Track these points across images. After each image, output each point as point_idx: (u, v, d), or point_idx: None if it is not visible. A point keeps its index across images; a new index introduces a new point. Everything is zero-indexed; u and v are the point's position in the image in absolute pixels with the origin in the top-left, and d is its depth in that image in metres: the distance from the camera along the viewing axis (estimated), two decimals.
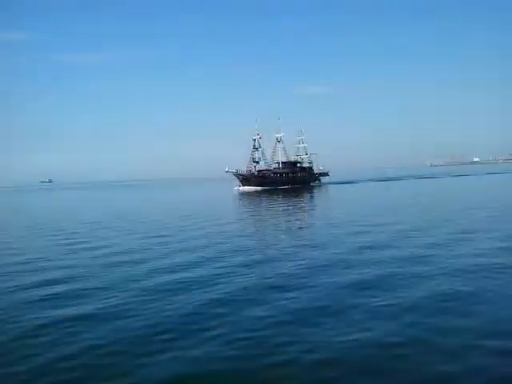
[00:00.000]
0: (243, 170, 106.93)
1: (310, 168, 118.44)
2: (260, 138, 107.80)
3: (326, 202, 57.33)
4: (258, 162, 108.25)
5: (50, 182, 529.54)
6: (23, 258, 22.50)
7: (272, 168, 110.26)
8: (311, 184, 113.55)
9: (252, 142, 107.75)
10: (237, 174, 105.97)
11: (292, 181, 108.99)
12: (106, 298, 14.25)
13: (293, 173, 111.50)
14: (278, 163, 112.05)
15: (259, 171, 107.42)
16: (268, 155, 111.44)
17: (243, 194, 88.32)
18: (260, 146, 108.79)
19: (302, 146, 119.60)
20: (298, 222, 34.41)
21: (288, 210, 46.59)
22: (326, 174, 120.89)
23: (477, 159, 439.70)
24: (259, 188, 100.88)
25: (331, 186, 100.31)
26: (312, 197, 69.36)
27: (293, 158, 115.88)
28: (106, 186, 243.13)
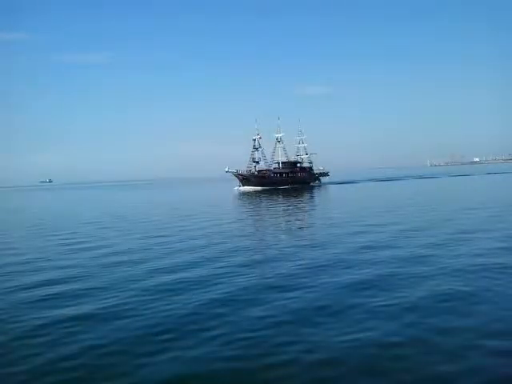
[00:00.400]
0: (243, 170, 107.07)
1: (310, 168, 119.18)
2: (260, 138, 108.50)
3: (326, 202, 57.31)
4: (258, 162, 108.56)
5: (50, 182, 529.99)
6: (23, 258, 22.52)
7: (272, 168, 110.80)
8: (311, 184, 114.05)
9: (252, 142, 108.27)
10: (237, 174, 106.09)
11: (292, 181, 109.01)
12: (105, 298, 14.26)
13: (293, 173, 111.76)
14: (278, 163, 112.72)
15: (259, 171, 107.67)
16: (268, 155, 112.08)
17: (243, 193, 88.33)
18: (260, 146, 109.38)
19: (302, 146, 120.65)
20: (298, 222, 34.41)
21: (288, 209, 46.59)
22: (325, 174, 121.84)
23: (477, 159, 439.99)
24: (259, 188, 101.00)
25: (331, 186, 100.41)
26: (312, 197, 69.34)
27: (293, 158, 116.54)
28: (106, 186, 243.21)
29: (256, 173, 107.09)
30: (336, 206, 48.14)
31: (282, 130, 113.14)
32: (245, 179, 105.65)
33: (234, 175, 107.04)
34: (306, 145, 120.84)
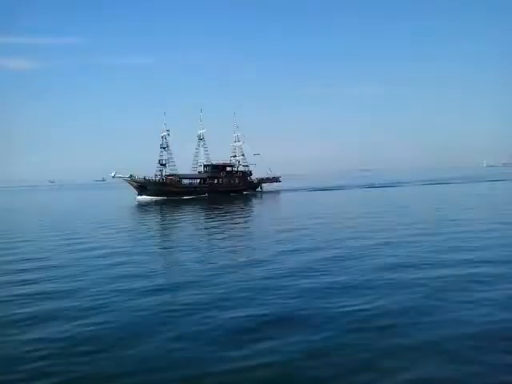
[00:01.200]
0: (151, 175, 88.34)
1: (245, 172, 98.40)
2: (168, 134, 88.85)
3: (246, 219, 41.21)
4: (164, 165, 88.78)
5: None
6: (23, 258, 22.68)
7: (197, 172, 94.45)
8: (244, 193, 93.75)
9: (160, 140, 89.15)
10: (130, 181, 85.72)
11: (212, 189, 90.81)
12: (106, 298, 14.37)
13: (213, 178, 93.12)
14: (207, 166, 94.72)
15: (166, 176, 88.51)
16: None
17: (140, 205, 70.56)
18: (168, 146, 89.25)
19: (238, 144, 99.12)
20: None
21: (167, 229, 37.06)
22: (276, 180, 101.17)
23: None
24: (159, 198, 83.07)
25: (287, 194, 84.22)
26: (231, 212, 49.49)
27: (221, 161, 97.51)
28: (106, 186, 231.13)
29: (163, 178, 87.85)
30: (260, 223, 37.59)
31: (204, 124, 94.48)
32: (140, 186, 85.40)
33: (127, 182, 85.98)
34: (242, 143, 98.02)
